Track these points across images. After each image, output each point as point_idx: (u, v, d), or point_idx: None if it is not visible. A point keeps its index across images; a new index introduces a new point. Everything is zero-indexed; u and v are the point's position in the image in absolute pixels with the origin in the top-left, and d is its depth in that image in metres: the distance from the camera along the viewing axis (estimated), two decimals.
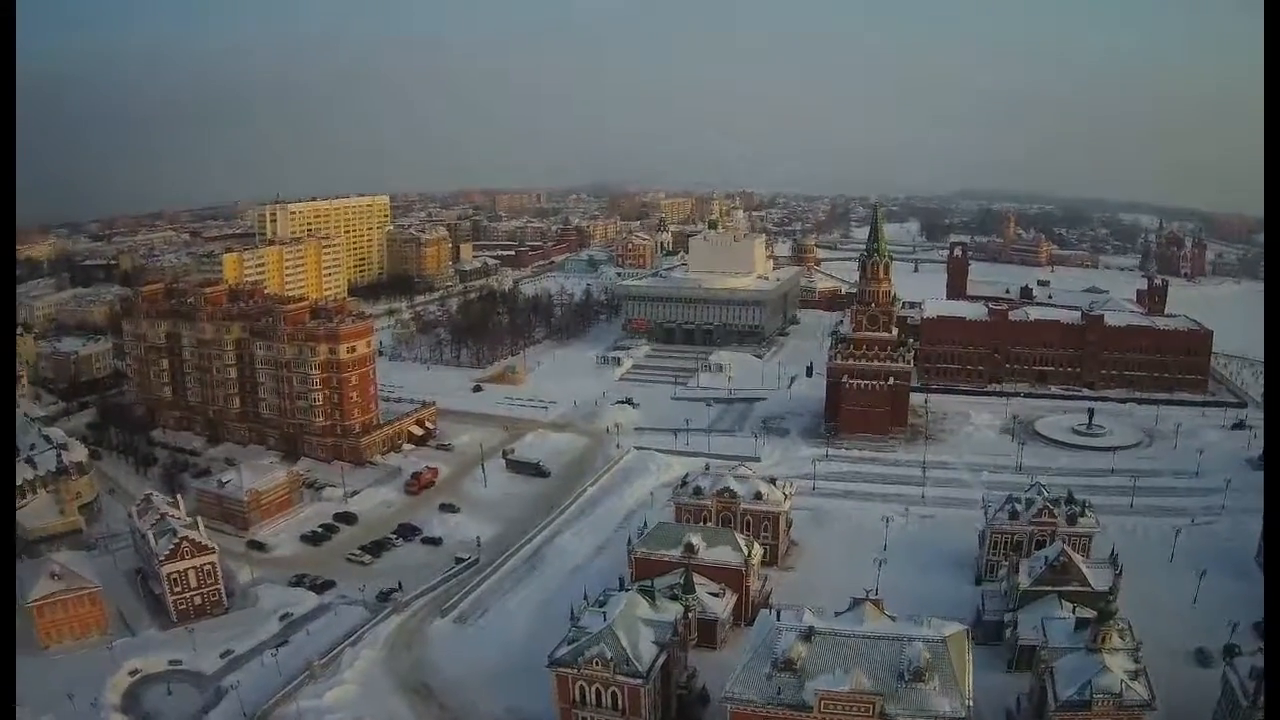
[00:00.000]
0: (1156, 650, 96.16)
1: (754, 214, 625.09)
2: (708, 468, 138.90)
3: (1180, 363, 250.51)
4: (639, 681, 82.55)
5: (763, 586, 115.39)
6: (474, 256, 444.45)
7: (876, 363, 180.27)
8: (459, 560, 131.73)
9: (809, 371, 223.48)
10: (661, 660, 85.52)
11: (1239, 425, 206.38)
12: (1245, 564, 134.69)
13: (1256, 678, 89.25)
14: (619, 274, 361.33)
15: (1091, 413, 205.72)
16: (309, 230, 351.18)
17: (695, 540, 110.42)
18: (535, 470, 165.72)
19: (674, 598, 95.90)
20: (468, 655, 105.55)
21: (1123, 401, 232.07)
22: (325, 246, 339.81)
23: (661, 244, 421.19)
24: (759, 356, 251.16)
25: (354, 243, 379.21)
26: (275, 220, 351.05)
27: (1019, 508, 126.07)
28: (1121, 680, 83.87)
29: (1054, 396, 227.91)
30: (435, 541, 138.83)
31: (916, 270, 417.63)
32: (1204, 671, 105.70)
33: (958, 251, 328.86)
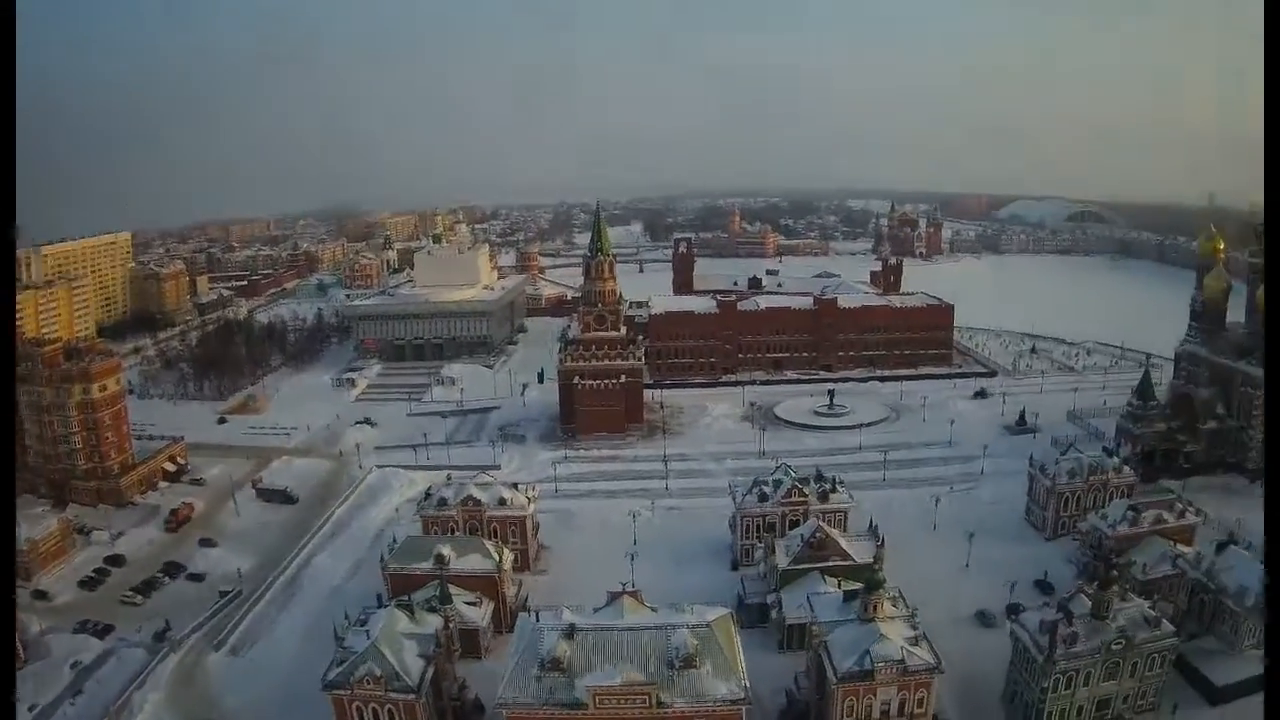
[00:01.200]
0: (936, 617, 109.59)
1: (477, 226, 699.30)
2: (449, 479, 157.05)
3: (923, 338, 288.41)
4: (411, 696, 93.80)
5: (518, 592, 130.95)
6: (210, 289, 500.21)
7: (607, 362, 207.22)
8: (223, 593, 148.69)
9: (540, 378, 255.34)
10: (430, 673, 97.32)
11: (980, 394, 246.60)
12: (1012, 525, 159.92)
13: (1048, 631, 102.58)
14: (348, 295, 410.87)
15: (832, 393, 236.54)
16: (59, 273, 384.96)
17: (445, 551, 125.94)
18: (284, 497, 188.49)
19: (432, 610, 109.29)
20: (245, 686, 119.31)
21: (864, 380, 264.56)
22: (75, 288, 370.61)
23: (387, 262, 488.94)
24: (489, 367, 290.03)
25: (99, 282, 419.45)
26: (30, 264, 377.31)
27: (767, 490, 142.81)
28: (902, 647, 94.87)
29: (792, 381, 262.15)
30: (199, 577, 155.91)
31: (642, 271, 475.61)
32: (988, 632, 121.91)
33: (682, 247, 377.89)
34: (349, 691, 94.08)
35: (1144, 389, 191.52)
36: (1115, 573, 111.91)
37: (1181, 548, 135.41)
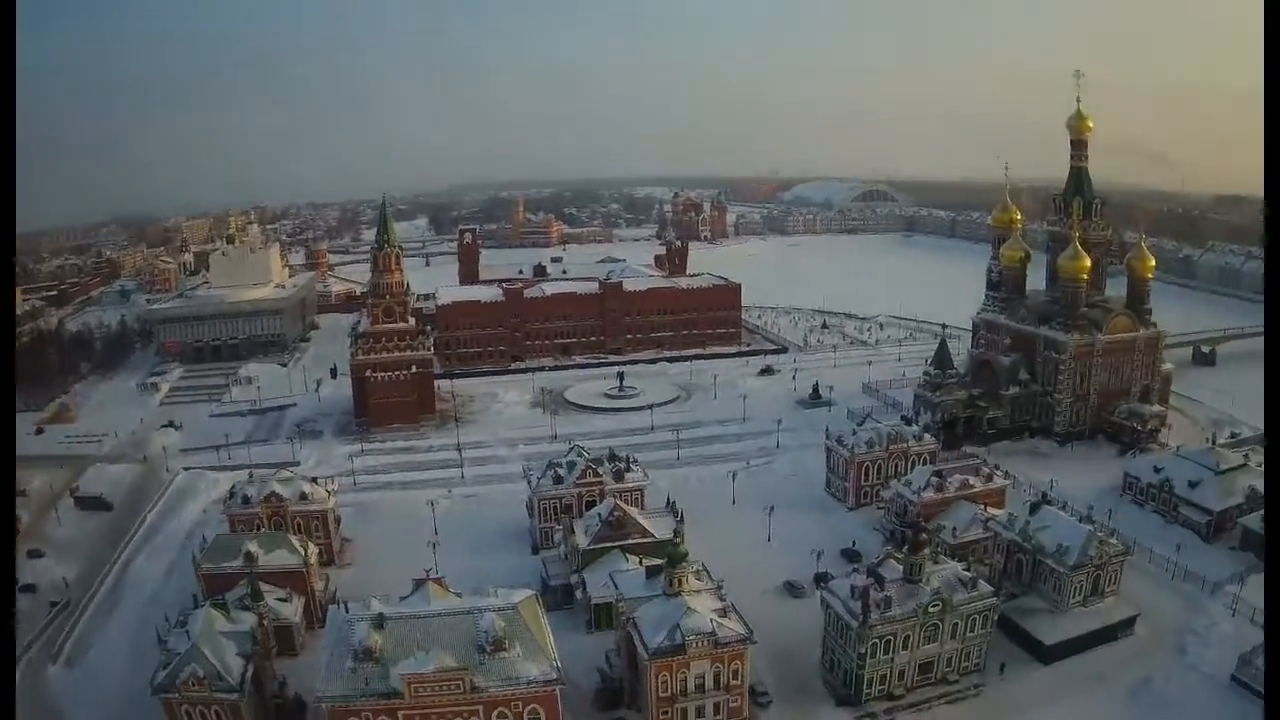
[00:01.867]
0: (743, 590, 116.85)
1: (269, 227, 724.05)
2: (251, 476, 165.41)
3: (710, 318, 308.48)
4: (235, 696, 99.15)
5: (326, 586, 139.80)
6: (23, 300, 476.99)
7: (398, 353, 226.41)
8: (54, 604, 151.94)
9: (333, 373, 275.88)
10: (250, 672, 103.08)
11: (766, 370, 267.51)
12: (813, 497, 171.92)
13: (860, 597, 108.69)
14: (148, 300, 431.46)
15: (621, 375, 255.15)
16: None
17: (253, 548, 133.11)
18: (100, 504, 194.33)
19: (246, 608, 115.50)
20: (84, 696, 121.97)
21: (653, 362, 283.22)
22: None
23: (184, 265, 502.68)
24: (284, 365, 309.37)
25: None
26: None
27: (562, 472, 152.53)
28: (711, 619, 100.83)
29: (580, 366, 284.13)
30: (31, 588, 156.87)
31: (428, 264, 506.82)
32: (798, 603, 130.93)
33: (467, 238, 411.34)
34: (177, 695, 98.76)
35: (941, 357, 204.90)
36: (925, 536, 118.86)
37: (992, 511, 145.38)
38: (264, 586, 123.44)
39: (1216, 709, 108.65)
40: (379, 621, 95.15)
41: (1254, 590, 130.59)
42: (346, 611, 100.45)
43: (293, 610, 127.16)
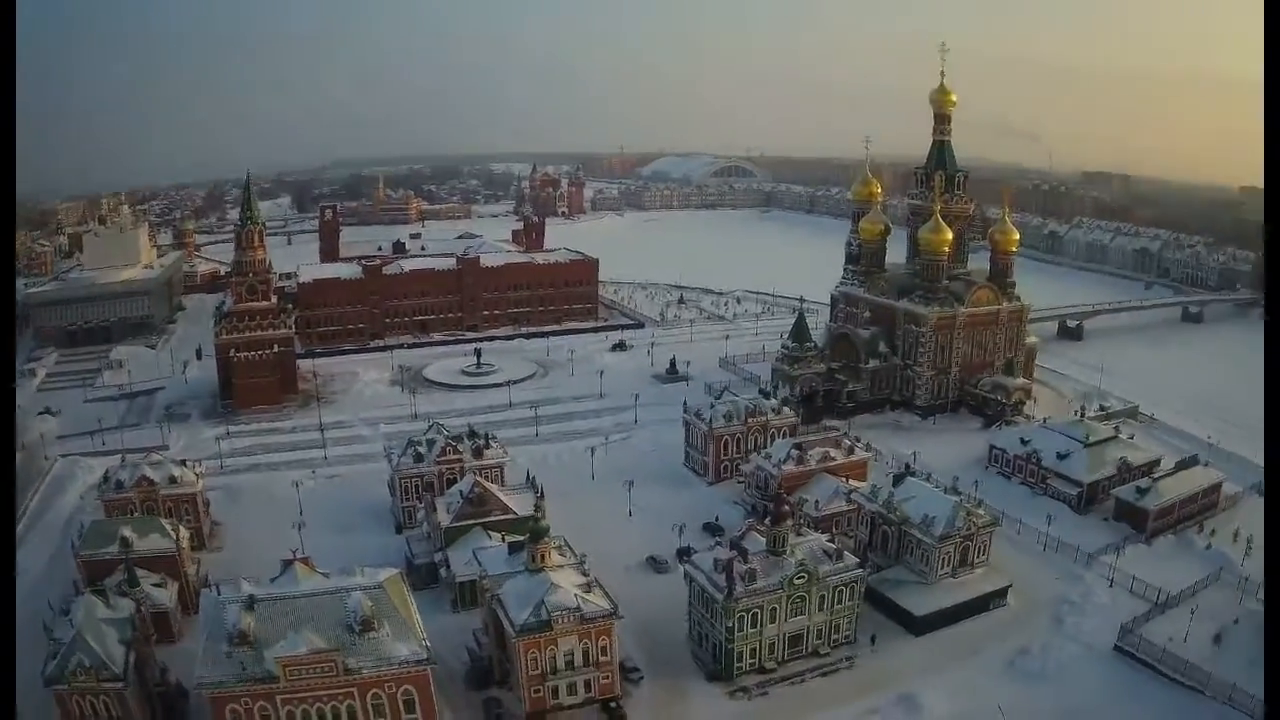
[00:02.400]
0: (606, 566, 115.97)
1: (138, 208, 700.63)
2: (123, 460, 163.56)
3: (567, 293, 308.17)
4: (120, 685, 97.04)
5: (198, 570, 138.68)
6: None
7: (260, 332, 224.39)
8: None
9: (199, 354, 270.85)
10: (133, 659, 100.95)
11: (619, 346, 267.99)
12: (672, 472, 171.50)
13: (724, 570, 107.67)
14: (25, 284, 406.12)
15: (479, 352, 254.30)
16: None
17: (127, 533, 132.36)
18: None
19: (124, 594, 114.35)
20: None
21: (510, 338, 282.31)
22: None
23: (59, 247, 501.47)
24: (152, 347, 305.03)
25: None
26: None
27: (422, 450, 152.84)
28: (576, 594, 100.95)
29: (439, 343, 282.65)
30: None
31: (290, 243, 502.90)
32: (662, 578, 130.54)
33: (328, 215, 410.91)
34: (67, 686, 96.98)
35: (799, 331, 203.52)
36: (787, 508, 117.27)
37: (855, 483, 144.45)
38: (140, 572, 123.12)
39: (1099, 679, 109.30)
40: (250, 603, 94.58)
41: (1130, 561, 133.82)
42: (219, 594, 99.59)
43: (168, 596, 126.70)
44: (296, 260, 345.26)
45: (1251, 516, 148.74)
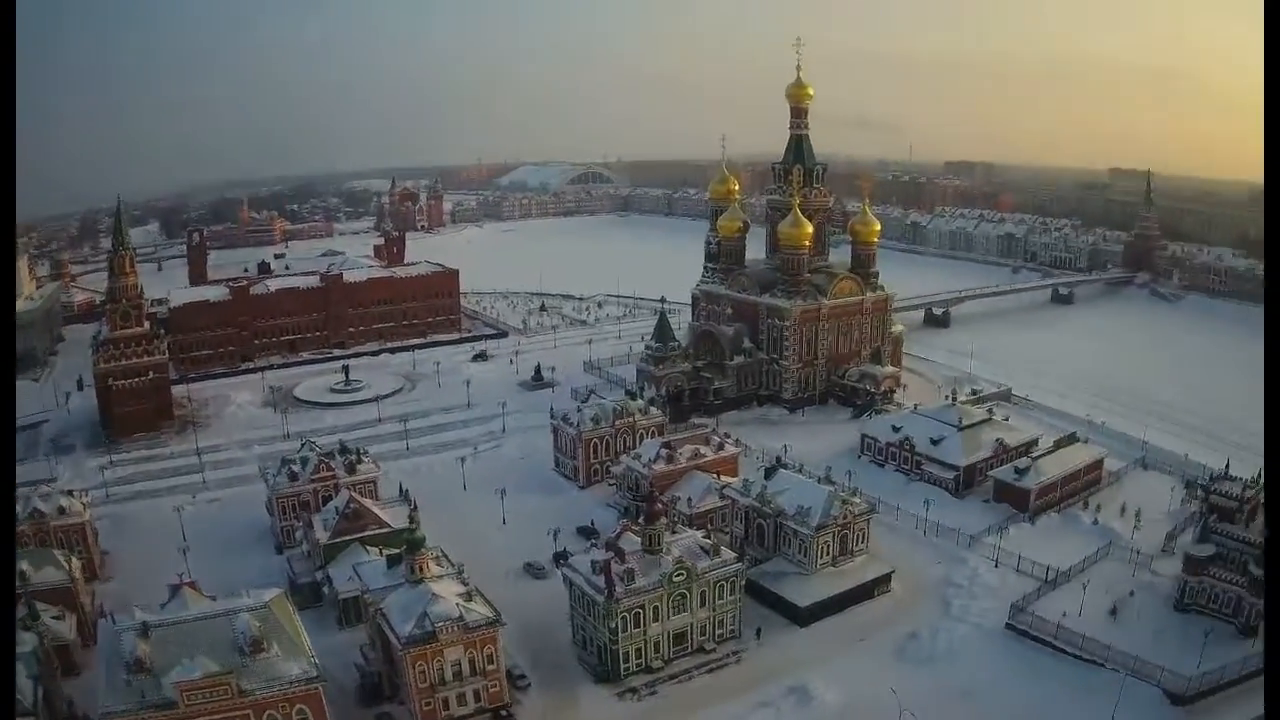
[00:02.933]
0: (484, 574, 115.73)
1: (20, 240, 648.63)
2: None
3: (430, 305, 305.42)
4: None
5: (93, 600, 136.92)
6: None
7: (136, 359, 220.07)
8: None
9: (80, 385, 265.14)
10: (41, 694, 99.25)
11: (480, 356, 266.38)
12: (543, 478, 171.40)
13: (602, 572, 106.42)
14: None
15: (347, 369, 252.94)
16: None
17: (24, 566, 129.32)
18: None
19: (27, 628, 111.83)
20: None
21: (376, 354, 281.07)
22: None
23: None
24: (35, 380, 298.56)
25: None
26: None
27: (296, 469, 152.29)
28: (457, 604, 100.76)
29: (307, 362, 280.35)
30: None
31: (161, 269, 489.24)
32: (541, 583, 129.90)
33: (195, 239, 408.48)
34: None
35: (662, 330, 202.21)
36: (659, 505, 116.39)
37: (727, 479, 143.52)
38: (39, 605, 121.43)
39: (992, 658, 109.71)
40: (144, 630, 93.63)
41: (1014, 541, 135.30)
42: (114, 623, 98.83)
43: (68, 628, 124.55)
44: (168, 285, 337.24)
45: (1137, 491, 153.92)
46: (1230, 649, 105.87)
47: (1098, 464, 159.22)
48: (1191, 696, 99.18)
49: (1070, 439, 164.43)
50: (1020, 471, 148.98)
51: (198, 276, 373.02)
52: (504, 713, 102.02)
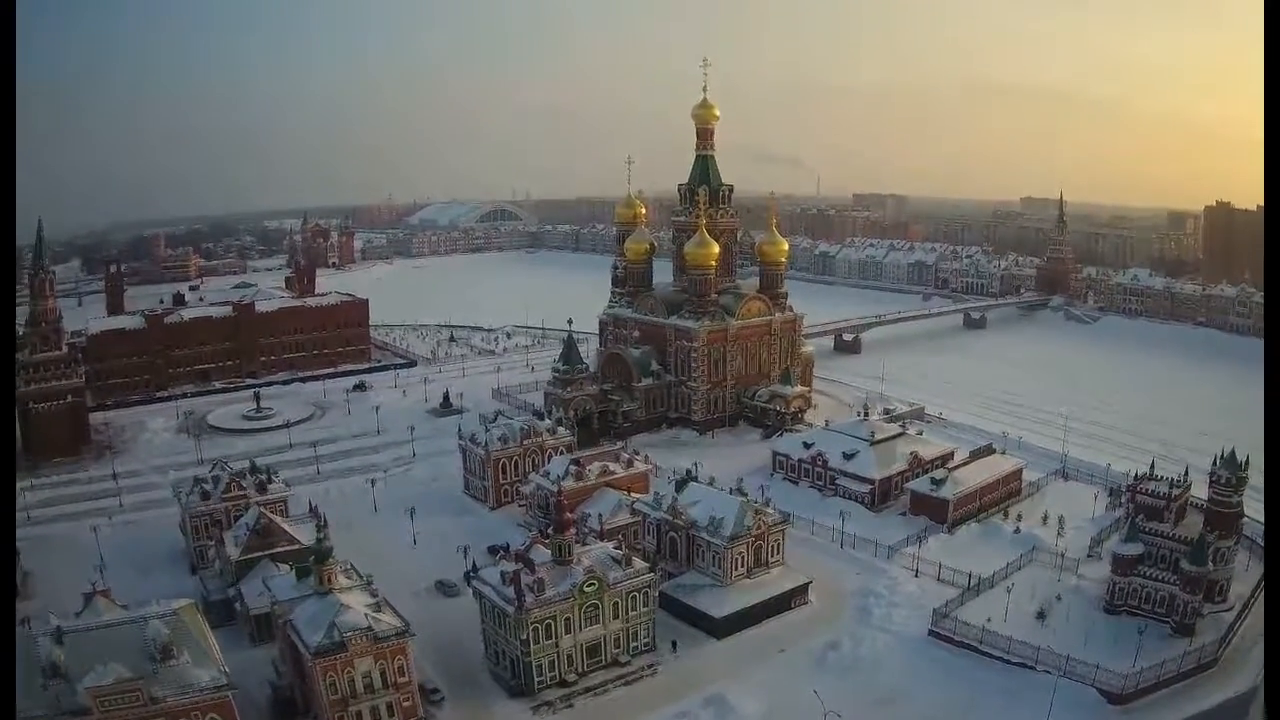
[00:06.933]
0: (395, 592, 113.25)
1: None
2: None
3: (339, 335, 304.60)
4: None
5: (14, 617, 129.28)
6: None
7: (55, 383, 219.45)
8: None
9: None
10: None
11: (359, 387, 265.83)
12: (453, 500, 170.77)
13: (512, 582, 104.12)
14: None
15: (258, 396, 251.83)
16: None
17: None
18: None
19: None
20: None
21: (287, 383, 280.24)
22: None
23: None
24: None
25: None
26: None
27: (209, 488, 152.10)
28: (366, 614, 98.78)
29: (220, 391, 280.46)
30: None
31: (81, 304, 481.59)
32: (452, 601, 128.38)
33: (112, 269, 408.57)
34: None
35: (569, 354, 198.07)
36: (569, 515, 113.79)
37: (637, 496, 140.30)
38: None
39: (917, 664, 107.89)
40: (58, 636, 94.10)
41: (934, 551, 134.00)
42: (29, 628, 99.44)
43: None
44: (87, 319, 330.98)
45: (1059, 499, 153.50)
46: (1164, 648, 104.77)
47: (1016, 474, 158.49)
48: (1129, 695, 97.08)
49: (986, 450, 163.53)
50: (937, 483, 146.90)
51: (115, 308, 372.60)
52: None
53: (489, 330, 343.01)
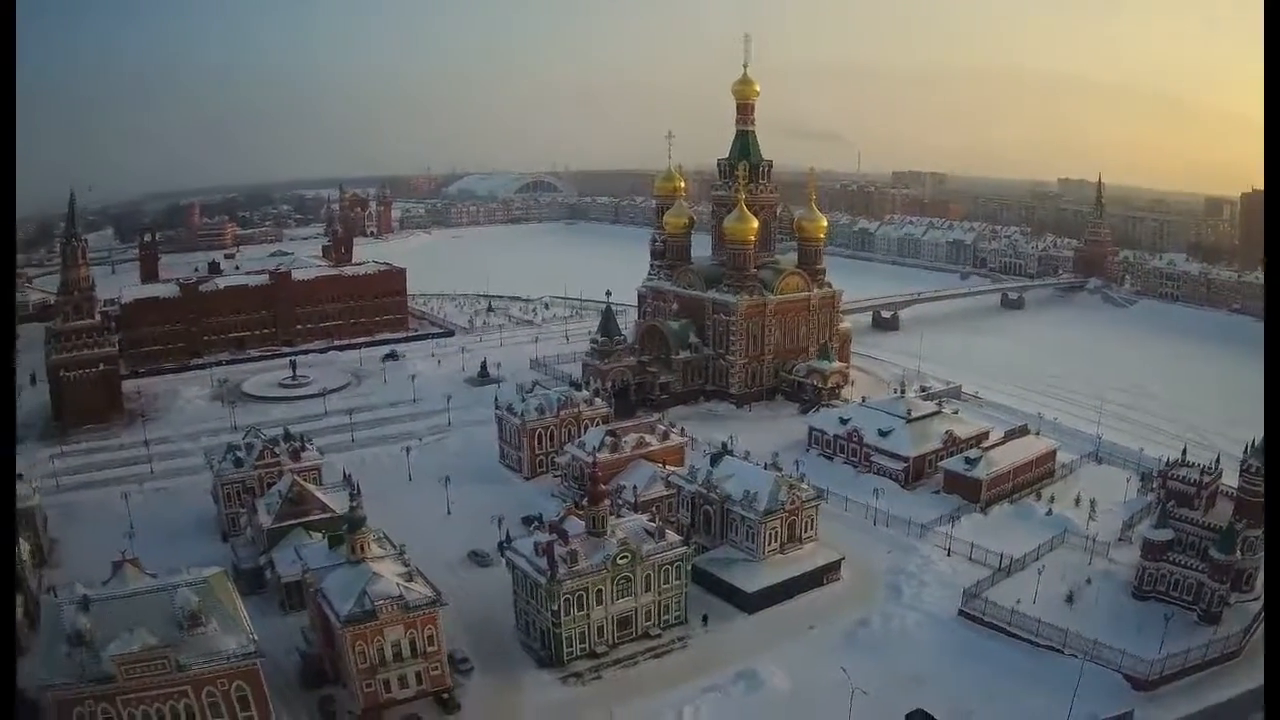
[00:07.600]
0: (428, 562, 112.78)
1: None
2: None
3: (377, 304, 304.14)
4: None
5: (40, 584, 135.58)
6: None
7: (87, 351, 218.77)
8: None
9: (33, 380, 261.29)
10: None
11: (390, 357, 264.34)
12: (489, 469, 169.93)
13: (545, 553, 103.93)
14: None
15: (294, 364, 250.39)
16: None
17: None
18: None
19: None
20: None
21: (323, 351, 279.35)
22: None
23: None
24: None
25: None
26: None
27: (241, 455, 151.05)
28: (398, 583, 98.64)
29: (255, 359, 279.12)
30: None
31: (114, 272, 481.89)
32: (486, 571, 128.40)
33: (147, 239, 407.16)
34: None
35: (607, 325, 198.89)
36: (604, 487, 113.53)
37: (672, 468, 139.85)
38: None
39: (945, 643, 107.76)
40: (85, 604, 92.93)
41: (966, 530, 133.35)
42: (55, 597, 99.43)
43: (17, 611, 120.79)
44: (121, 287, 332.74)
45: (1091, 483, 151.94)
46: (1191, 635, 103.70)
47: (1050, 455, 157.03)
48: (1154, 681, 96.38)
49: (1021, 431, 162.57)
50: (971, 462, 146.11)
51: (149, 275, 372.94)
52: (446, 696, 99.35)
53: (527, 300, 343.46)
